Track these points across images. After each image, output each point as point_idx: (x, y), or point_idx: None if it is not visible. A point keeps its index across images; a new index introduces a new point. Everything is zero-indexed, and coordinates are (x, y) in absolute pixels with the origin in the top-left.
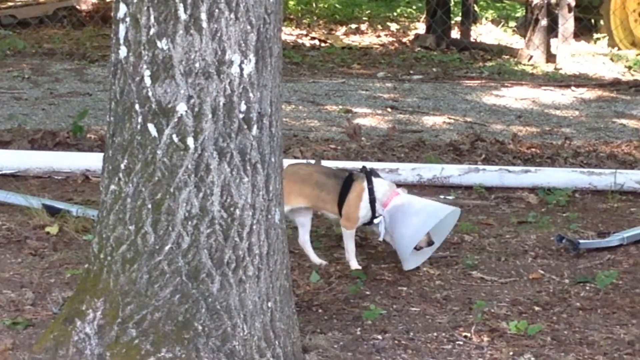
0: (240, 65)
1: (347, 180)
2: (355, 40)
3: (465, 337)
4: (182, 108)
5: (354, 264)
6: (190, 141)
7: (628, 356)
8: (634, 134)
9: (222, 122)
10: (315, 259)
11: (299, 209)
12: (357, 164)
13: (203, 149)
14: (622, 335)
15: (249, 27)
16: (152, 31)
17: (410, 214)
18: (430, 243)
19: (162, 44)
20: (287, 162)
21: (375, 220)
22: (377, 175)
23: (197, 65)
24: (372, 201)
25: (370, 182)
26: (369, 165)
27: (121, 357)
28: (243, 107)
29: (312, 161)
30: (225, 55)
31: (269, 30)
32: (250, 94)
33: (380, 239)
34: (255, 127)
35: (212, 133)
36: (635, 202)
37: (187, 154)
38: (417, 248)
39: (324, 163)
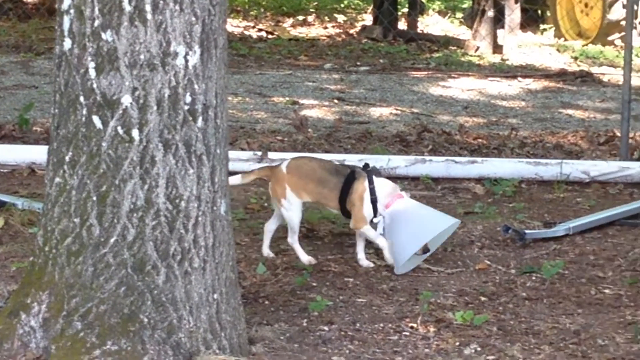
0: (185, 57)
1: (348, 178)
2: (302, 32)
3: (412, 327)
4: (127, 100)
5: (387, 255)
6: (135, 133)
7: (574, 345)
8: (580, 124)
9: (167, 114)
10: (266, 248)
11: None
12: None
13: (148, 141)
14: (568, 325)
15: (193, 19)
16: (96, 23)
17: (412, 221)
18: (426, 250)
19: (107, 35)
20: (290, 155)
21: (375, 220)
22: (379, 175)
23: (141, 57)
24: (374, 201)
25: (371, 182)
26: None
27: (66, 350)
28: (188, 99)
29: (315, 155)
30: (170, 47)
31: (214, 22)
32: (196, 86)
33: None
34: (200, 118)
35: (157, 125)
36: (581, 192)
37: (132, 146)
38: (421, 252)
39: (271, 155)
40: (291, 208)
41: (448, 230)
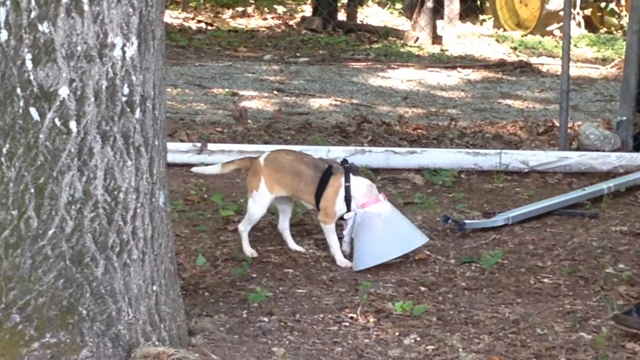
0: (122, 48)
1: (325, 173)
2: (241, 23)
3: (352, 318)
4: (64, 92)
5: (340, 258)
6: (72, 125)
7: (513, 335)
8: (519, 115)
9: (104, 106)
10: (293, 245)
11: (279, 197)
12: (244, 147)
13: (86, 133)
14: (507, 315)
15: (131, 10)
16: (33, 14)
17: (384, 232)
18: (397, 257)
19: (44, 27)
20: (270, 148)
21: (346, 216)
22: (357, 173)
23: (79, 48)
24: (347, 199)
25: (347, 180)
26: (256, 148)
27: (5, 343)
28: (126, 91)
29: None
30: (108, 38)
31: (151, 13)
32: (133, 77)
33: (344, 232)
34: (138, 110)
35: (94, 117)
36: (520, 182)
37: (70, 137)
38: None
39: (211, 147)
40: (259, 201)
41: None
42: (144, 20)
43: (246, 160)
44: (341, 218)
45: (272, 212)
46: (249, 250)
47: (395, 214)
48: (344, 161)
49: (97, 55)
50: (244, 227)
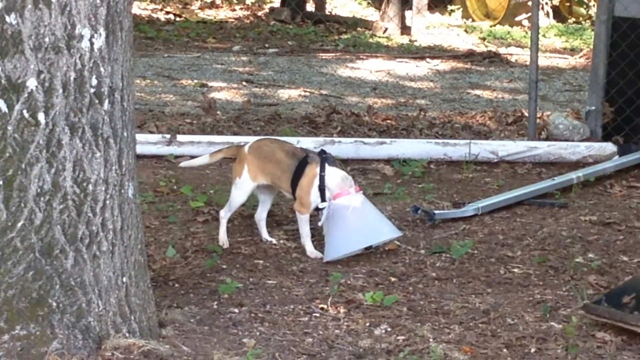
0: (90, 40)
1: (301, 163)
2: (210, 14)
3: (322, 309)
4: (32, 83)
5: (310, 249)
6: (41, 116)
7: (483, 325)
8: (488, 105)
9: (73, 97)
10: (265, 235)
11: (262, 185)
12: (214, 138)
13: (54, 124)
14: (478, 304)
15: (98, 1)
16: (0, 6)
17: (353, 223)
18: (367, 248)
19: (11, 18)
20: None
21: (320, 205)
22: (333, 163)
23: (46, 40)
24: (322, 188)
25: (322, 170)
26: (225, 139)
27: None
28: (94, 82)
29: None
30: (75, 30)
31: (119, 4)
32: (101, 69)
33: (320, 224)
34: (106, 101)
35: (63, 108)
36: (489, 172)
37: (39, 129)
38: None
39: (180, 138)
40: (241, 187)
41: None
42: (111, 12)
43: (232, 149)
44: (317, 209)
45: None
46: (223, 238)
47: (368, 206)
48: (322, 151)
49: (65, 46)
50: (224, 214)
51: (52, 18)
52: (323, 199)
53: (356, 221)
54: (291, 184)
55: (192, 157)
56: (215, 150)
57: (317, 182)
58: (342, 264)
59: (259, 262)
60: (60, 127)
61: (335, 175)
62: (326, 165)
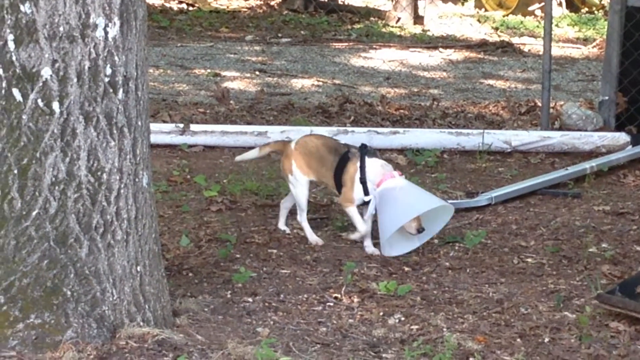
0: (104, 29)
1: (342, 158)
2: (223, 3)
3: (336, 298)
4: (46, 72)
5: (367, 243)
6: (55, 106)
7: (497, 314)
8: (501, 94)
9: (87, 86)
10: (282, 224)
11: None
12: (227, 127)
13: (69, 114)
14: (491, 294)
15: None
16: None
17: (400, 199)
18: (419, 230)
19: (25, 7)
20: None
21: (366, 198)
22: (374, 155)
23: (61, 29)
24: (363, 181)
25: (362, 163)
26: (239, 128)
27: None
28: (108, 71)
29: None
30: (90, 19)
31: None
32: (116, 58)
33: (365, 217)
34: (121, 90)
35: (77, 97)
36: (502, 161)
37: (53, 118)
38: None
39: (193, 127)
40: (297, 184)
41: (441, 215)
42: (126, 1)
43: (280, 144)
44: (364, 204)
45: (255, 193)
46: (313, 239)
47: (410, 184)
48: (362, 145)
49: (80, 35)
50: (300, 217)
51: (67, 7)
52: (366, 193)
53: (405, 196)
54: (335, 181)
55: (205, 146)
56: (264, 144)
57: (358, 176)
58: (355, 253)
59: (273, 252)
60: (75, 116)
61: (374, 166)
62: (365, 157)
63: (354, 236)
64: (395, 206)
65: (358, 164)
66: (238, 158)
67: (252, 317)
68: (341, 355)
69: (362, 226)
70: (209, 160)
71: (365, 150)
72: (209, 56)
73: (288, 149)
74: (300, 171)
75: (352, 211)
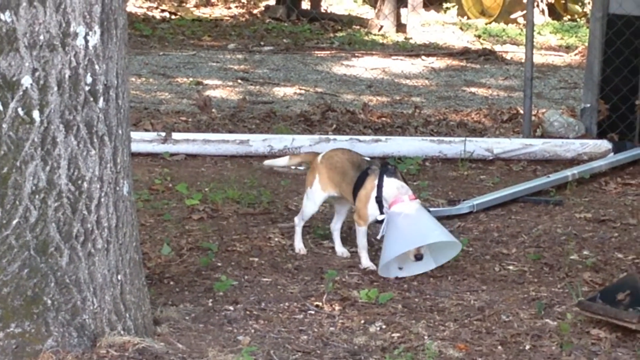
0: (85, 37)
1: (362, 175)
2: (205, 12)
3: (317, 306)
4: (27, 81)
5: (365, 262)
6: (36, 114)
7: (478, 322)
8: (483, 102)
9: (68, 95)
10: (339, 248)
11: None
12: (209, 136)
13: (49, 122)
14: (473, 302)
15: None
16: None
17: (400, 227)
18: (417, 257)
19: (6, 16)
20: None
21: (379, 217)
22: (393, 174)
23: (41, 37)
24: (379, 200)
25: (380, 180)
26: (221, 137)
27: None
28: (89, 80)
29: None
30: (70, 27)
31: (113, 2)
32: (96, 66)
33: (378, 237)
34: (101, 99)
35: (58, 106)
36: (484, 169)
37: (33, 127)
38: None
39: (175, 136)
40: (311, 198)
41: (449, 248)
42: (106, 9)
43: (310, 155)
44: (378, 222)
45: (237, 201)
46: (299, 246)
47: (422, 213)
48: (384, 163)
49: (60, 44)
50: (298, 221)
51: (47, 16)
52: (382, 211)
53: (406, 226)
54: (353, 196)
55: (187, 155)
56: (295, 154)
57: (374, 193)
58: (337, 261)
59: (254, 260)
60: (55, 125)
61: (391, 186)
62: (384, 176)
63: (362, 261)
64: (396, 234)
65: (376, 181)
66: (267, 162)
67: (233, 326)
68: None
69: (364, 252)
70: (191, 168)
71: (385, 169)
72: (191, 64)
73: (315, 161)
74: (321, 186)
75: (362, 232)
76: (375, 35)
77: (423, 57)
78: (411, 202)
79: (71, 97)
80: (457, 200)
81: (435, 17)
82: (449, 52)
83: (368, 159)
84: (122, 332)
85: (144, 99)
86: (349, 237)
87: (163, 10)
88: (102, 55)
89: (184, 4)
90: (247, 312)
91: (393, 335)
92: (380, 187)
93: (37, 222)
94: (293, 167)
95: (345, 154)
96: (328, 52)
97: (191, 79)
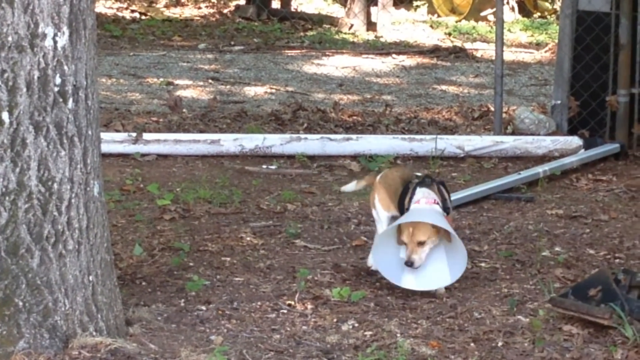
0: (54, 38)
1: (405, 188)
2: (175, 12)
3: (289, 305)
4: None
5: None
6: (5, 116)
7: (450, 319)
8: (454, 100)
9: (37, 96)
10: (370, 262)
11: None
12: (180, 136)
13: (18, 124)
14: (445, 299)
15: (61, 0)
16: None
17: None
18: (408, 264)
19: None
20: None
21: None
22: (424, 184)
23: (9, 39)
24: (408, 208)
25: (413, 191)
26: (192, 137)
27: None
28: (58, 81)
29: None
30: (39, 29)
31: (82, 3)
32: (65, 67)
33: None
34: (71, 100)
35: (27, 107)
36: (456, 167)
37: (3, 128)
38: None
39: (146, 136)
40: (378, 220)
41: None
42: (74, 10)
43: (371, 177)
44: None
45: (208, 201)
46: (370, 262)
47: (428, 209)
48: (425, 176)
49: (29, 45)
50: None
51: (15, 17)
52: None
53: (409, 213)
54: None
55: (158, 155)
56: (360, 179)
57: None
58: (309, 260)
59: (226, 260)
60: (25, 126)
61: (417, 194)
62: (417, 187)
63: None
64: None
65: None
66: (343, 188)
67: (206, 325)
68: None
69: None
70: (162, 169)
71: (422, 181)
72: (161, 65)
73: (374, 182)
74: (382, 206)
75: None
76: (345, 34)
77: (393, 55)
78: (425, 204)
79: (40, 98)
80: None
81: (406, 15)
82: (419, 50)
83: (419, 174)
84: (94, 333)
85: (114, 99)
86: (320, 236)
87: (133, 11)
88: (71, 55)
89: (154, 5)
90: (220, 312)
91: (365, 333)
92: (411, 197)
93: (7, 223)
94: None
95: (398, 171)
96: (298, 51)
97: (162, 79)
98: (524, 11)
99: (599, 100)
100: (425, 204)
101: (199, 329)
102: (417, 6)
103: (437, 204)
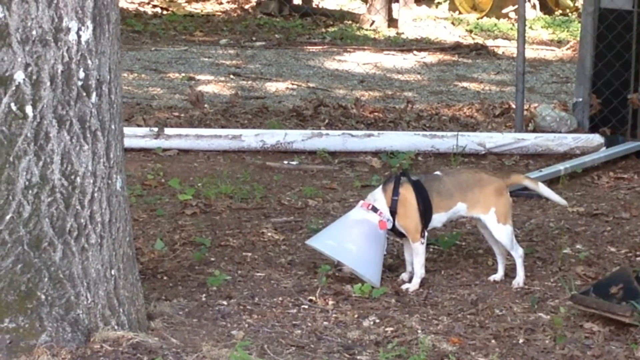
0: (77, 32)
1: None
2: (197, 7)
3: (310, 300)
4: (19, 76)
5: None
6: (29, 109)
7: (472, 316)
8: (475, 97)
9: (60, 90)
10: (499, 275)
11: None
12: (201, 131)
13: (42, 117)
14: (466, 296)
15: None
16: None
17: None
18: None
19: None
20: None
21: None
22: (387, 182)
23: (34, 32)
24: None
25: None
26: (213, 132)
27: None
28: (82, 75)
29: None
30: (63, 23)
31: None
32: (89, 61)
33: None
34: (94, 94)
35: (50, 101)
36: (477, 163)
37: (26, 122)
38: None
39: (167, 131)
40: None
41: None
42: (98, 4)
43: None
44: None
45: (230, 196)
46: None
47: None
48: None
49: (53, 39)
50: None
51: (40, 11)
52: None
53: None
54: None
55: (180, 150)
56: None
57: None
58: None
59: (247, 255)
60: (48, 120)
61: (369, 195)
62: (382, 184)
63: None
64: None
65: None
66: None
67: (227, 320)
68: (316, 357)
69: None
70: (184, 163)
71: (387, 178)
72: (183, 60)
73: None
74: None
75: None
76: (367, 30)
77: (415, 52)
78: (359, 209)
79: (64, 92)
80: None
81: (427, 12)
82: (440, 47)
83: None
84: (115, 327)
85: (136, 94)
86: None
87: (155, 6)
88: (94, 50)
89: (176, 0)
90: (241, 307)
91: (387, 329)
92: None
93: (30, 217)
94: None
95: (469, 174)
96: (320, 47)
97: (183, 75)
98: (546, 8)
99: (620, 98)
100: (359, 209)
101: (220, 323)
102: (439, 3)
103: (377, 211)
